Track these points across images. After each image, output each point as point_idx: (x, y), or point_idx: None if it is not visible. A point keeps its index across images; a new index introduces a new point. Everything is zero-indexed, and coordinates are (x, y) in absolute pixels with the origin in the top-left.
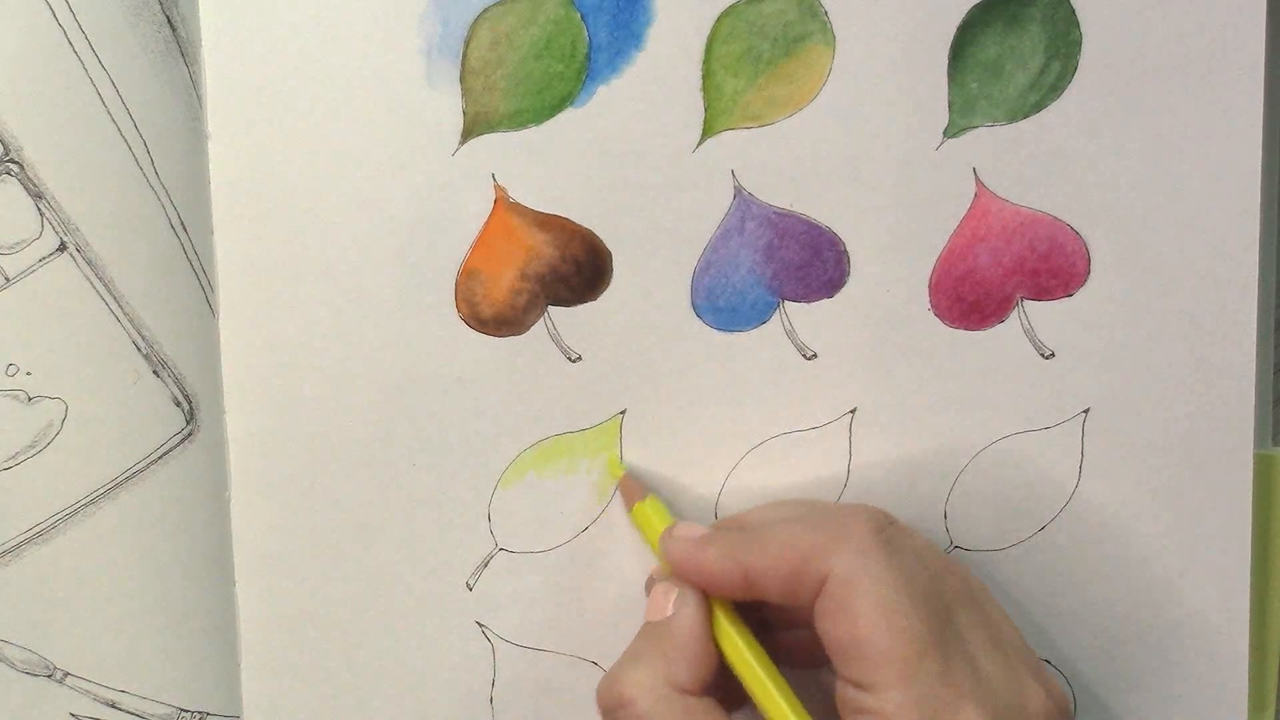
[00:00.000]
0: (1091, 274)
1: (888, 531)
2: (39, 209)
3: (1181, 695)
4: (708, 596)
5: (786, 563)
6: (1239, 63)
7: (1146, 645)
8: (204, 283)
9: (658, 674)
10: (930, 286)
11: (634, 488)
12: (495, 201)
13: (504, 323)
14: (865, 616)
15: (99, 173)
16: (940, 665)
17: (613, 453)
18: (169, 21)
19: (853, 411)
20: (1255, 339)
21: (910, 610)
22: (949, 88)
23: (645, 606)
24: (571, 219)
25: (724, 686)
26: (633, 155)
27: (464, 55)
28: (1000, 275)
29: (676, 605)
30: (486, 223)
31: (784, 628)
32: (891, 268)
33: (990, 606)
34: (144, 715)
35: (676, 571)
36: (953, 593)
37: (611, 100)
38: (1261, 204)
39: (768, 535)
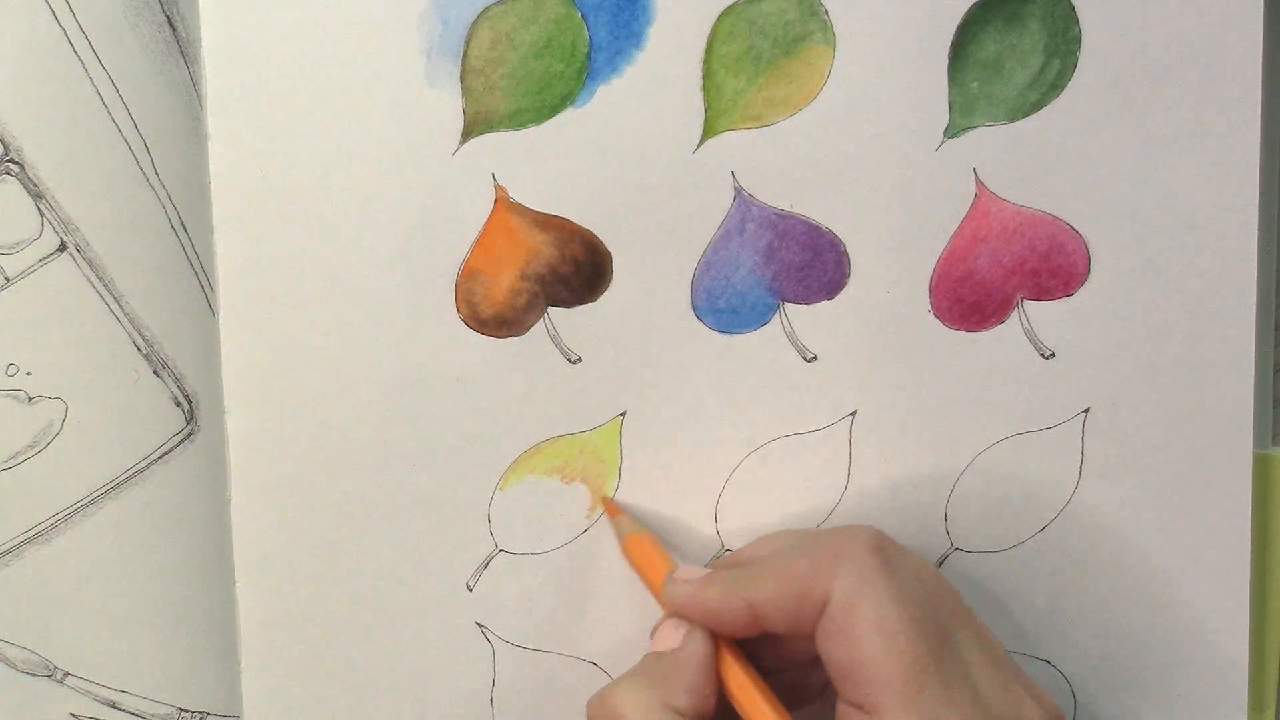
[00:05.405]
0: (1091, 274)
1: (886, 552)
2: (39, 209)
3: (1181, 695)
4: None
5: (788, 592)
6: (1237, 59)
7: (1146, 645)
8: (204, 283)
9: (655, 696)
10: (930, 288)
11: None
12: (495, 201)
13: (504, 323)
14: (866, 639)
15: (99, 173)
16: (941, 686)
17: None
18: (169, 21)
19: (853, 414)
20: (1255, 339)
21: (911, 632)
22: (949, 87)
23: (652, 642)
24: (571, 219)
25: None
26: (633, 155)
27: (464, 55)
28: (1000, 275)
29: (685, 639)
30: (486, 223)
31: (781, 670)
32: (892, 269)
33: (981, 624)
34: (144, 715)
35: (682, 614)
36: (949, 611)
37: (612, 100)
38: (1260, 203)
39: (767, 567)
